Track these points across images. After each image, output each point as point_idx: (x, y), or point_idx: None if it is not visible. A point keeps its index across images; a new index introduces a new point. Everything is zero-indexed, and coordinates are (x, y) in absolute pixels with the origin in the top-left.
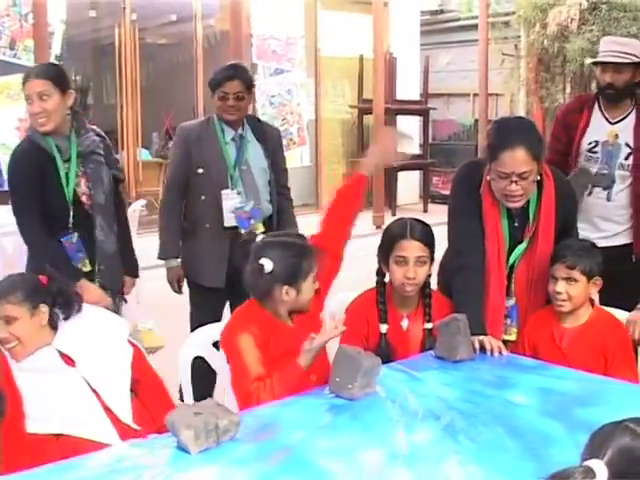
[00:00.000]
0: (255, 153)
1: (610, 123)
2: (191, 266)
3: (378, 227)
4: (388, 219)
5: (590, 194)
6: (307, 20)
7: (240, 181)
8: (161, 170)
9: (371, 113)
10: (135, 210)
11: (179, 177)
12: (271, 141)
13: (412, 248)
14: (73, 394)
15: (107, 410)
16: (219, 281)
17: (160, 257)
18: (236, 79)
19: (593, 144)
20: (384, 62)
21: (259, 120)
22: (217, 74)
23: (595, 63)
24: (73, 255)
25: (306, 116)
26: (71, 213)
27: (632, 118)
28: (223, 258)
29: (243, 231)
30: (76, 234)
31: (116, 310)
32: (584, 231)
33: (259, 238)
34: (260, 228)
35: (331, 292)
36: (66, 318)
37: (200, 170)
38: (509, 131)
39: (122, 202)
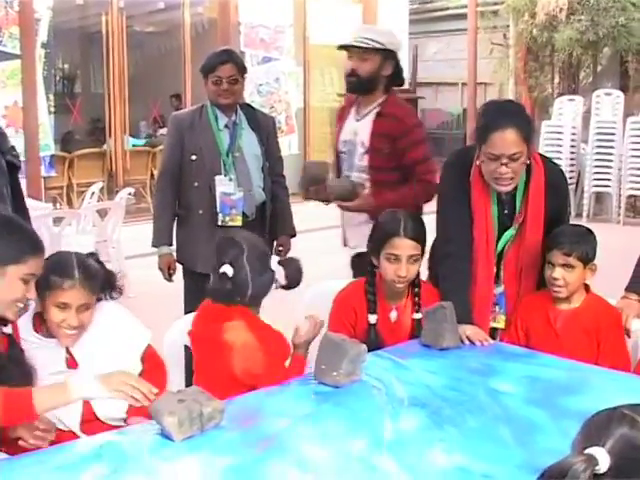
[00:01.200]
0: (248, 140)
1: (356, 120)
2: (185, 252)
3: None
4: None
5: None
6: (296, 8)
7: (233, 168)
8: (149, 158)
9: None
10: (122, 198)
11: (172, 165)
12: (265, 129)
13: (405, 247)
14: None
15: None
16: (208, 267)
17: (153, 244)
18: (229, 63)
19: (342, 143)
20: None
21: (252, 108)
22: (210, 59)
23: (343, 48)
24: None
25: (294, 104)
26: None
27: (373, 114)
28: (213, 244)
29: (221, 216)
30: None
31: None
32: None
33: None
34: (237, 221)
35: (310, 281)
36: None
37: (193, 157)
38: (499, 113)
39: (20, 190)
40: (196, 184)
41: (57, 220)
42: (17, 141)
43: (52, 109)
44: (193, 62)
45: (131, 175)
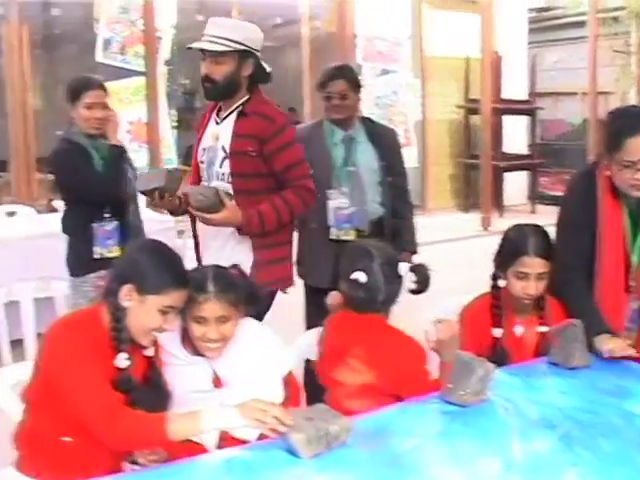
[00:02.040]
0: (365, 154)
1: (217, 123)
2: (301, 266)
3: (485, 229)
4: (495, 220)
5: None
6: (413, 20)
7: (346, 182)
8: None
9: (478, 113)
10: None
11: None
12: (386, 142)
13: (534, 265)
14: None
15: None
16: (324, 281)
17: None
18: (339, 79)
19: (202, 152)
20: (491, 61)
21: (372, 121)
22: (323, 75)
23: (193, 49)
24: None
25: (412, 117)
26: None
27: (235, 114)
28: (328, 258)
29: (334, 230)
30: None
31: None
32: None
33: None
34: (351, 235)
35: (439, 296)
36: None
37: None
38: (633, 117)
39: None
40: None
41: (180, 232)
42: (141, 156)
43: (174, 124)
44: (311, 76)
45: None
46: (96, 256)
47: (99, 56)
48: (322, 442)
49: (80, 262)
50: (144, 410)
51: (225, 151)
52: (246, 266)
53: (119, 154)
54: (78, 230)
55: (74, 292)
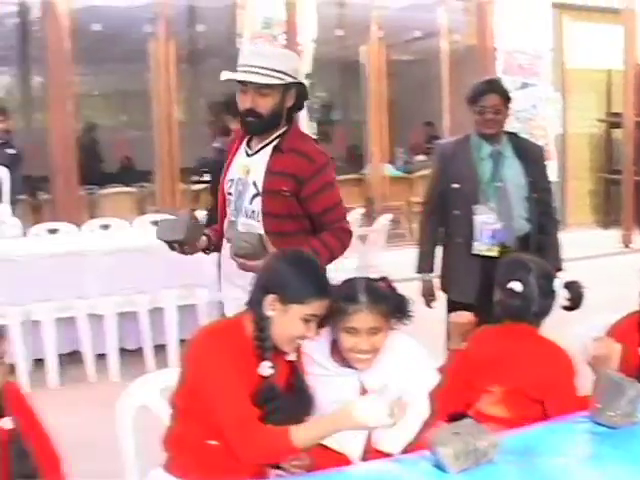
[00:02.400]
0: (513, 169)
1: (247, 155)
2: (444, 280)
3: (626, 246)
4: (637, 238)
5: (224, 247)
6: (554, 32)
7: (493, 197)
8: (407, 185)
9: (620, 127)
10: (383, 224)
11: (436, 193)
12: (532, 158)
13: None
14: None
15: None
16: (468, 297)
17: (416, 271)
18: (493, 93)
19: (229, 184)
20: (634, 73)
21: (518, 136)
22: (475, 89)
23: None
24: None
25: (552, 131)
26: None
27: (271, 148)
28: (473, 273)
29: (477, 245)
30: None
31: None
32: None
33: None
34: (494, 251)
35: (585, 312)
36: None
37: (455, 185)
38: None
39: None
40: (456, 212)
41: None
42: None
43: (314, 136)
44: (451, 90)
45: (389, 201)
46: None
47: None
48: (470, 458)
49: None
50: (288, 416)
51: (257, 188)
52: None
53: None
54: None
55: None
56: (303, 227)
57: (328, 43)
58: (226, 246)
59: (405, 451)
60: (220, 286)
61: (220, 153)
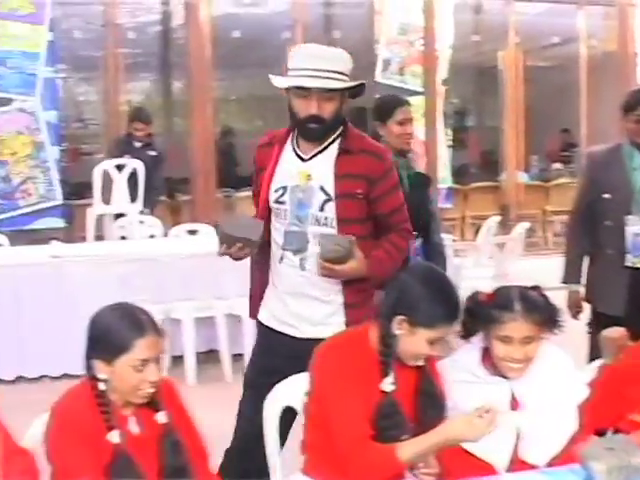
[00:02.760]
0: None
1: (302, 160)
2: (591, 291)
3: None
4: None
5: (281, 260)
6: None
7: None
8: (542, 193)
9: None
10: (520, 233)
11: (584, 202)
12: None
13: None
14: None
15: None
16: (617, 309)
17: (562, 281)
18: None
19: (281, 192)
20: None
21: None
22: (631, 97)
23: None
24: None
25: None
26: None
27: (333, 150)
28: (624, 285)
29: (630, 257)
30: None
31: None
32: (274, 312)
33: None
34: None
35: None
36: None
37: (606, 195)
38: None
39: None
40: (607, 223)
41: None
42: None
43: (449, 143)
44: (588, 96)
45: (523, 209)
46: None
47: (378, 76)
48: (622, 473)
49: None
50: (419, 423)
51: (327, 193)
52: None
53: (426, 180)
54: None
55: None
56: (370, 230)
57: (465, 49)
58: (287, 256)
59: (551, 464)
60: (262, 300)
61: None
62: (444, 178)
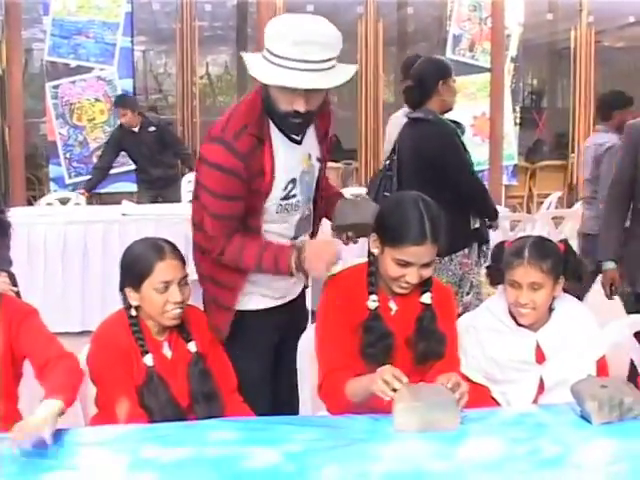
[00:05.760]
0: None
1: (299, 143)
2: (626, 270)
3: None
4: None
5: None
6: None
7: None
8: None
9: None
10: (579, 208)
11: (626, 176)
12: None
13: None
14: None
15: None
16: None
17: (598, 259)
18: None
19: (290, 186)
20: None
21: None
22: None
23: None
24: None
25: None
26: None
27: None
28: None
29: None
30: None
31: None
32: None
33: None
34: None
35: None
36: None
37: None
38: None
39: None
40: None
41: (513, 225)
42: (482, 150)
43: (517, 121)
44: None
45: None
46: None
47: (449, 52)
48: (614, 411)
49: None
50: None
51: (320, 160)
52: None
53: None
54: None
55: (440, 271)
56: None
57: (537, 27)
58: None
59: None
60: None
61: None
62: (510, 155)
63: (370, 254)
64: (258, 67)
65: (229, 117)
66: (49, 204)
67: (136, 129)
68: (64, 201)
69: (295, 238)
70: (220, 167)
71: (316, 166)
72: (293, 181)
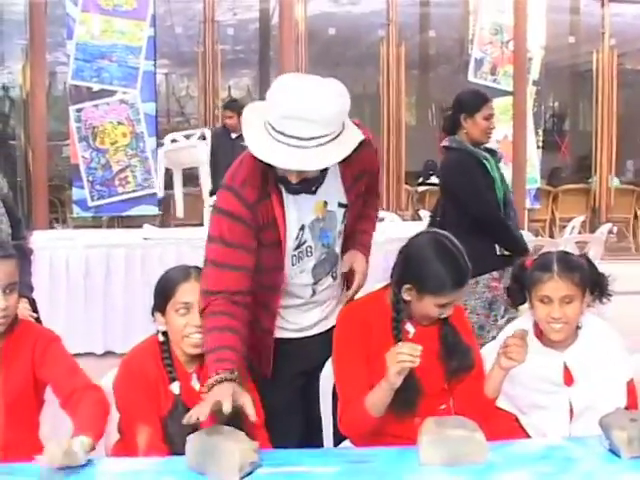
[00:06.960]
0: None
1: (312, 193)
2: None
3: None
4: None
5: (313, 294)
6: None
7: None
8: (634, 197)
9: None
10: (602, 233)
11: None
12: None
13: None
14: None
15: None
16: None
17: None
18: None
19: (300, 234)
20: None
21: None
22: None
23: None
24: None
25: None
26: None
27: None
28: None
29: None
30: None
31: None
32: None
33: None
34: None
35: None
36: None
37: None
38: None
39: None
40: None
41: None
42: (505, 174)
43: (540, 144)
44: None
45: (614, 213)
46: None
47: (471, 76)
48: None
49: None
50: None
51: (343, 205)
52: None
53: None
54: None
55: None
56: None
57: (559, 50)
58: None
59: None
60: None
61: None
62: (533, 178)
63: (398, 301)
64: (253, 135)
65: (240, 163)
66: None
67: (234, 135)
68: None
69: (315, 284)
70: (229, 213)
71: (337, 212)
72: (302, 228)
